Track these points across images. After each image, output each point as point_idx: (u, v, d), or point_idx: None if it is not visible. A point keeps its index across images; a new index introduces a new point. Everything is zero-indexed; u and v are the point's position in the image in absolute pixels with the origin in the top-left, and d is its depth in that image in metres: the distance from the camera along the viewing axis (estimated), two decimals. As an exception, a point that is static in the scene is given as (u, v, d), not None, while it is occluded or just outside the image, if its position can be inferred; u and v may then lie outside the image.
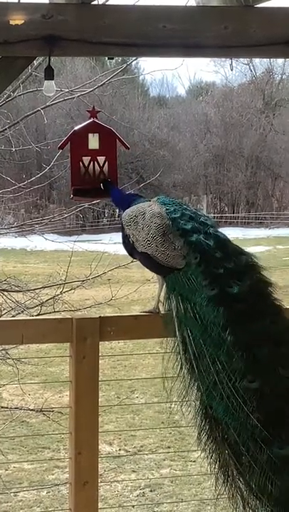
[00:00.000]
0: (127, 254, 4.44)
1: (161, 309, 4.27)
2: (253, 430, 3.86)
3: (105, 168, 4.55)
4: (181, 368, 4.06)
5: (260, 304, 4.11)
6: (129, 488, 11.19)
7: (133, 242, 4.28)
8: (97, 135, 4.56)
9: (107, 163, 4.56)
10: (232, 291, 4.05)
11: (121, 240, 4.40)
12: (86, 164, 4.54)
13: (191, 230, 4.16)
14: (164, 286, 4.20)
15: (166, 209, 4.23)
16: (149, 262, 4.24)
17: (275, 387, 3.92)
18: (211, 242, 4.14)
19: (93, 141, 4.56)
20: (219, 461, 3.99)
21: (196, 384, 4.02)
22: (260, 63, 46.74)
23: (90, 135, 4.56)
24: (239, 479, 3.94)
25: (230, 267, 4.11)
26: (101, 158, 4.55)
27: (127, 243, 4.33)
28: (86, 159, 4.54)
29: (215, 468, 4.00)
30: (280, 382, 3.94)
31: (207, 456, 4.03)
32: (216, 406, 3.95)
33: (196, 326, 4.02)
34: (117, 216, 37.77)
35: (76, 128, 4.62)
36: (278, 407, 3.90)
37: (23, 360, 11.43)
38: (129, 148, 4.82)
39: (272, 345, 4.01)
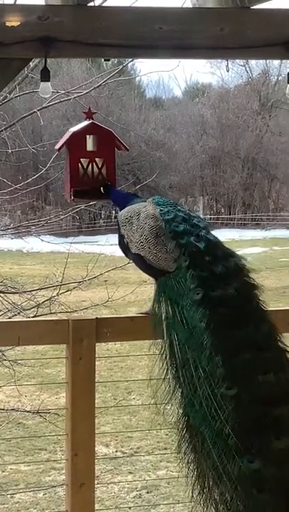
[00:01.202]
0: (123, 255, 4.45)
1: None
2: (226, 440, 3.82)
3: (104, 169, 4.55)
4: (166, 372, 4.05)
5: (245, 307, 4.10)
6: (126, 489, 11.18)
7: (127, 242, 4.29)
8: (95, 136, 4.56)
9: (105, 164, 4.56)
10: (215, 294, 4.04)
11: (117, 240, 4.42)
12: (85, 166, 4.54)
13: (182, 232, 4.16)
14: (156, 288, 4.21)
15: (161, 210, 4.23)
16: (141, 263, 4.25)
17: (253, 395, 3.90)
18: (202, 244, 4.14)
19: (91, 143, 4.56)
20: (197, 471, 3.97)
21: (180, 390, 4.01)
22: (256, 65, 46.83)
23: (88, 136, 4.56)
24: (215, 490, 3.91)
25: (219, 270, 4.11)
26: (99, 160, 4.56)
27: (122, 243, 4.35)
28: (84, 161, 4.54)
29: (192, 477, 3.98)
30: (258, 389, 3.92)
31: (186, 465, 4.00)
32: (194, 414, 3.94)
33: (183, 330, 4.02)
34: (113, 217, 37.78)
35: (74, 129, 4.62)
36: (254, 414, 3.87)
37: (19, 361, 11.41)
38: (128, 150, 4.83)
39: (254, 350, 3.99)
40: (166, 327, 4.08)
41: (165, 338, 4.07)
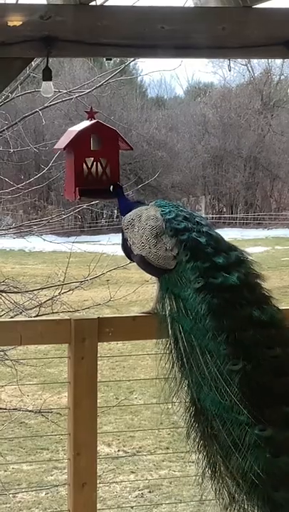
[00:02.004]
0: (124, 255, 4.47)
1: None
2: (237, 416, 3.88)
3: (108, 168, 4.56)
4: (172, 366, 4.10)
5: (247, 294, 4.14)
6: (128, 489, 11.18)
7: (130, 245, 4.33)
8: (100, 136, 4.56)
9: (109, 163, 4.56)
10: (216, 281, 4.09)
11: (120, 243, 4.44)
12: (89, 165, 4.54)
13: (183, 229, 4.21)
14: (158, 287, 4.24)
15: (162, 211, 4.28)
16: (143, 263, 4.29)
17: (259, 366, 3.95)
18: (203, 239, 4.20)
19: (96, 142, 4.56)
20: (207, 457, 4.03)
21: (187, 381, 4.06)
22: (258, 64, 46.75)
23: (93, 136, 4.56)
24: (226, 475, 3.96)
25: (220, 261, 4.16)
26: (103, 159, 4.56)
27: (125, 246, 4.39)
28: (89, 160, 4.54)
29: (203, 464, 4.04)
30: (265, 361, 3.98)
31: (195, 453, 4.06)
32: (204, 397, 3.99)
33: (187, 320, 4.07)
34: (115, 217, 37.77)
35: (75, 128, 4.61)
36: (262, 384, 3.93)
37: (21, 361, 11.42)
38: (132, 149, 4.85)
39: (258, 327, 4.05)
40: (171, 322, 4.13)
41: (170, 333, 4.12)
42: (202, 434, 4.04)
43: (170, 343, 4.11)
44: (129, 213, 4.39)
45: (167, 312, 4.14)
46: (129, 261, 4.50)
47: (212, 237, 4.24)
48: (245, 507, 3.93)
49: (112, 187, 4.53)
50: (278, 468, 3.84)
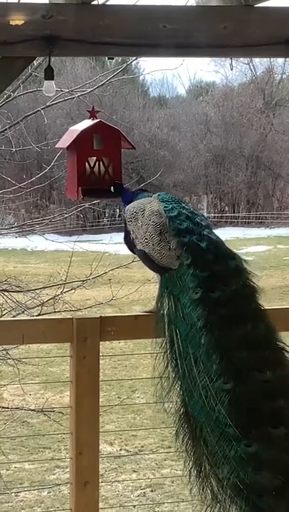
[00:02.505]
0: (127, 254, 4.47)
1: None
2: (224, 428, 3.88)
3: (110, 168, 4.55)
4: (166, 366, 4.09)
5: (243, 309, 4.12)
6: (130, 488, 11.20)
7: (133, 238, 4.31)
8: (102, 135, 4.56)
9: (111, 163, 4.56)
10: (214, 295, 4.07)
11: (122, 238, 4.42)
12: (92, 164, 4.54)
13: (185, 230, 4.18)
14: (159, 284, 4.23)
15: (165, 206, 4.25)
16: (146, 259, 4.27)
17: (248, 390, 3.94)
18: (204, 244, 4.16)
19: (99, 141, 4.56)
20: (194, 458, 4.04)
21: (179, 382, 4.06)
22: (260, 63, 46.73)
23: (95, 135, 4.55)
24: (210, 475, 3.99)
25: (219, 271, 4.13)
26: (106, 158, 4.55)
27: (128, 239, 4.36)
28: (91, 159, 4.54)
29: (189, 464, 4.05)
30: (254, 386, 3.95)
31: (183, 453, 4.07)
32: (193, 404, 3.99)
33: (183, 325, 4.06)
34: (117, 216, 37.78)
35: (77, 128, 4.61)
36: (250, 408, 3.92)
37: (23, 360, 11.43)
38: (135, 148, 4.84)
39: (251, 349, 4.02)
40: (168, 322, 4.12)
41: (166, 332, 4.11)
42: (190, 436, 4.04)
43: (166, 343, 4.11)
44: (132, 204, 4.36)
45: (165, 311, 4.14)
46: (132, 259, 4.50)
47: (212, 242, 4.20)
48: (228, 507, 3.94)
49: (112, 187, 4.53)
50: (259, 482, 3.84)
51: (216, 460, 3.94)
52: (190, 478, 4.05)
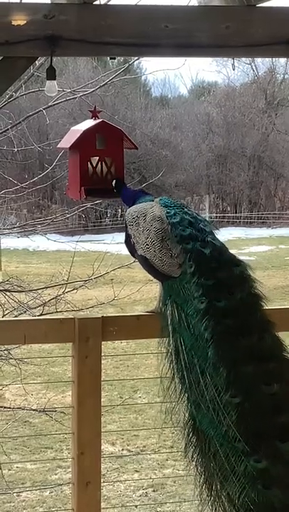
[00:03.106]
0: (129, 254, 4.43)
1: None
2: (233, 443, 3.85)
3: (112, 168, 4.55)
4: (173, 377, 4.06)
5: (248, 319, 4.08)
6: (132, 488, 11.19)
7: (134, 243, 4.28)
8: (105, 135, 4.56)
9: (114, 163, 4.55)
10: (220, 305, 4.03)
11: (124, 239, 4.40)
12: (94, 164, 4.54)
13: (188, 236, 4.14)
14: (162, 291, 4.20)
15: (167, 212, 4.20)
16: (146, 265, 4.24)
17: (256, 404, 3.91)
18: (208, 250, 4.12)
19: (101, 141, 4.56)
20: (205, 474, 4.00)
21: (186, 395, 4.02)
22: (262, 63, 46.69)
23: (98, 135, 4.55)
24: (222, 492, 3.94)
25: (223, 279, 4.09)
26: (108, 158, 4.55)
27: (129, 243, 4.33)
28: (94, 159, 4.54)
29: (200, 480, 4.01)
30: (262, 399, 3.93)
31: (193, 469, 4.02)
32: (201, 418, 3.96)
33: (188, 336, 4.02)
34: (119, 216, 37.76)
35: (79, 128, 4.61)
36: (259, 422, 3.90)
37: (25, 360, 11.43)
38: (137, 148, 4.84)
39: (258, 362, 3.99)
40: (173, 331, 4.08)
41: (171, 341, 4.08)
42: (200, 452, 4.00)
43: (171, 354, 4.07)
44: (133, 207, 4.32)
45: (169, 321, 4.09)
46: (133, 259, 4.47)
47: (216, 248, 4.15)
48: None
49: (114, 181, 4.51)
50: (268, 500, 3.82)
51: (226, 476, 3.89)
52: (201, 497, 4.00)
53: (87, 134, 4.52)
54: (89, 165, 4.53)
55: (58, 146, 4.77)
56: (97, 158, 4.53)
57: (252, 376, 3.94)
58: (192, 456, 4.02)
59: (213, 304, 4.02)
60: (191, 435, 4.02)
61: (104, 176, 4.54)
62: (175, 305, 4.10)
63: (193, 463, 4.02)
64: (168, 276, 4.14)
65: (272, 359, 4.04)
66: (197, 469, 4.02)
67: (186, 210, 4.27)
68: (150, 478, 11.30)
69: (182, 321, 4.05)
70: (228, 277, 4.12)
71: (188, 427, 4.03)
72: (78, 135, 4.52)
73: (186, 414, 4.03)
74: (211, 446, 3.94)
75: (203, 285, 4.05)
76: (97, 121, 4.59)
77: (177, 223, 4.17)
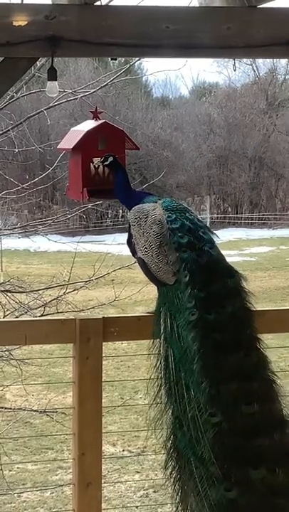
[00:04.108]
0: (130, 254, 4.42)
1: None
2: (207, 466, 3.84)
3: None
4: (159, 388, 4.07)
5: (237, 334, 4.06)
6: (133, 488, 11.19)
7: (134, 244, 4.27)
8: (107, 136, 4.56)
9: None
10: (209, 318, 4.00)
11: (124, 238, 4.39)
12: (96, 165, 4.54)
13: (185, 244, 4.11)
14: (157, 297, 4.19)
15: (168, 216, 4.18)
16: (144, 268, 4.23)
17: (234, 425, 3.89)
18: (203, 260, 4.09)
19: (103, 142, 4.56)
20: (181, 492, 4.01)
21: (171, 408, 4.02)
22: (264, 64, 46.70)
23: (100, 136, 4.55)
24: None
25: (216, 290, 4.07)
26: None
27: (131, 243, 4.32)
28: (96, 160, 4.54)
29: (177, 498, 4.02)
30: (240, 420, 3.91)
31: (172, 484, 4.04)
32: (181, 436, 3.96)
33: (178, 348, 4.01)
34: (120, 217, 37.74)
35: (86, 129, 4.60)
36: (234, 444, 3.88)
37: (26, 360, 11.43)
38: (139, 149, 4.83)
39: (241, 380, 3.97)
40: (164, 340, 4.07)
41: (162, 351, 4.07)
42: (179, 469, 4.01)
43: (161, 361, 4.07)
44: (137, 207, 4.28)
45: (161, 330, 4.08)
46: (134, 260, 4.46)
47: (212, 259, 4.12)
48: None
49: (110, 158, 4.42)
50: None
51: (199, 500, 3.89)
52: None
53: (89, 134, 4.52)
54: (91, 166, 4.53)
55: (59, 147, 4.77)
56: (99, 159, 4.53)
57: (233, 395, 3.92)
58: (171, 472, 4.03)
59: (203, 317, 4.00)
60: (172, 451, 4.04)
61: (105, 176, 4.54)
62: (169, 314, 4.08)
63: (172, 479, 4.03)
64: (163, 283, 4.12)
65: (256, 378, 4.01)
66: (174, 487, 4.03)
67: (187, 215, 4.23)
68: (151, 479, 11.29)
69: (174, 332, 4.03)
70: (221, 289, 4.09)
71: (170, 441, 4.03)
72: (80, 136, 4.52)
73: (169, 430, 4.03)
74: (187, 467, 3.94)
75: (196, 297, 4.02)
76: (99, 122, 4.59)
77: (176, 229, 4.14)
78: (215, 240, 4.23)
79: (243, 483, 3.83)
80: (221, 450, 3.85)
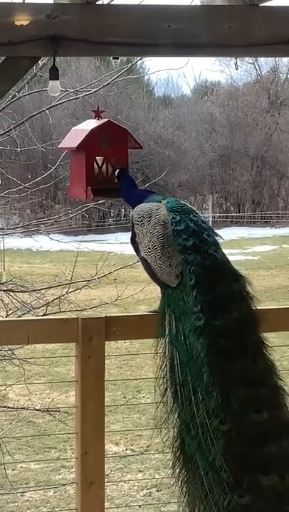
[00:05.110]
0: (133, 253, 4.41)
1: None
2: (219, 472, 3.83)
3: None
4: (166, 391, 4.04)
5: (244, 339, 4.03)
6: (136, 487, 11.19)
7: (138, 243, 4.25)
8: (110, 135, 4.56)
9: (119, 162, 4.55)
10: (216, 323, 3.97)
11: (127, 237, 4.38)
12: (100, 164, 4.54)
13: (191, 246, 4.07)
14: (161, 298, 4.17)
15: (172, 218, 4.14)
16: (148, 268, 4.21)
17: (244, 433, 3.88)
18: (208, 263, 4.06)
19: (107, 141, 4.55)
20: (188, 495, 3.99)
21: (178, 411, 3.99)
22: (265, 62, 46.68)
23: (104, 135, 4.55)
24: None
25: (221, 294, 4.04)
26: (113, 158, 4.55)
27: (134, 241, 4.30)
28: (99, 159, 4.54)
29: (184, 501, 4.01)
30: (250, 428, 3.89)
31: (179, 488, 4.02)
32: (190, 441, 3.94)
33: (184, 351, 3.99)
34: (123, 216, 37.75)
35: (90, 128, 4.59)
36: (244, 452, 3.86)
37: (29, 360, 11.43)
38: (142, 148, 4.83)
39: (249, 386, 3.95)
40: (170, 343, 4.05)
41: (167, 352, 4.05)
42: (187, 472, 3.99)
43: (166, 364, 4.05)
44: (141, 205, 4.26)
45: (166, 331, 4.05)
46: (137, 259, 4.45)
47: (217, 262, 4.09)
48: None
49: (117, 171, 4.48)
50: None
51: (208, 506, 3.87)
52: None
53: (93, 133, 4.52)
54: (94, 165, 4.53)
55: (60, 146, 4.77)
56: (102, 158, 4.53)
57: (242, 403, 3.90)
58: (178, 474, 4.00)
59: (209, 323, 3.97)
60: (178, 453, 4.01)
61: (109, 175, 4.54)
62: (174, 316, 4.05)
63: (179, 482, 4.01)
64: (166, 284, 4.10)
65: (264, 385, 3.99)
66: (182, 489, 4.01)
67: (191, 216, 4.18)
68: (154, 477, 11.29)
69: (180, 335, 4.00)
70: (226, 293, 4.06)
71: (176, 444, 4.01)
72: (84, 135, 4.51)
73: (176, 431, 4.00)
74: (196, 471, 3.92)
75: (202, 301, 3.99)
76: (103, 120, 4.58)
77: (181, 231, 4.11)
78: (219, 241, 4.20)
79: (255, 489, 3.83)
80: (231, 457, 3.84)
